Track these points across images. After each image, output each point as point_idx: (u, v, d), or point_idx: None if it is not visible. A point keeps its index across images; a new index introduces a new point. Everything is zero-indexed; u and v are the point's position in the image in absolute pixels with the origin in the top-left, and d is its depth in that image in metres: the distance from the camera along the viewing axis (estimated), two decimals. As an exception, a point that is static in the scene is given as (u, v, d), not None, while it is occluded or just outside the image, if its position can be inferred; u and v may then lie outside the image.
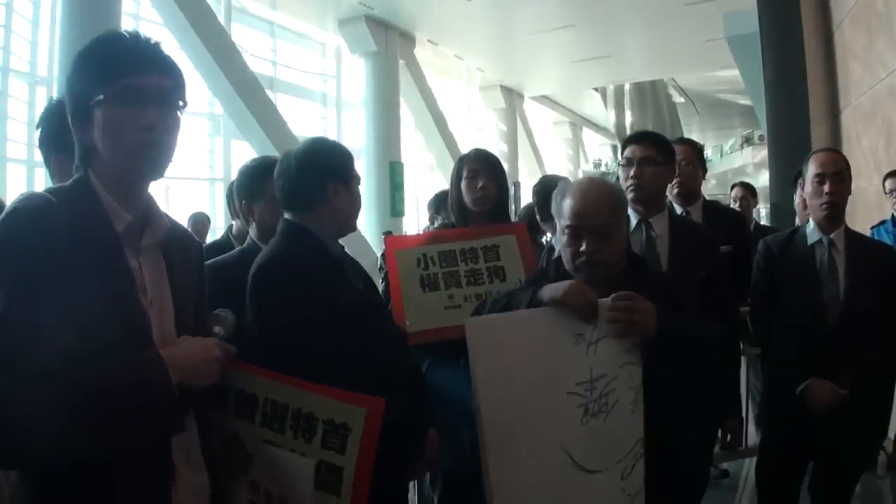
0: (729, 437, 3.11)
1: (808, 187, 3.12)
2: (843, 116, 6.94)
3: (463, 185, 3.04)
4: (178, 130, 1.54)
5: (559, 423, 2.14)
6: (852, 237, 3.16)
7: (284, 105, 13.25)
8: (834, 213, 3.06)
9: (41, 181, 9.37)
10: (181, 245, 1.68)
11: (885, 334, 3.01)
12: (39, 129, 2.08)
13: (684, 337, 2.18)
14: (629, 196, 2.92)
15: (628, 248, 2.51)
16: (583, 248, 2.23)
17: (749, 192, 6.18)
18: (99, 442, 1.33)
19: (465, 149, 14.38)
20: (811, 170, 3.11)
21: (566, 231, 2.28)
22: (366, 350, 2.16)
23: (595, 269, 2.25)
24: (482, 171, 3.03)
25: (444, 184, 16.34)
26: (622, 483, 2.13)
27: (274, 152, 10.91)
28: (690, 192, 3.71)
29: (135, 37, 1.52)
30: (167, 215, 1.63)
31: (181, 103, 1.54)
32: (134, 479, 1.39)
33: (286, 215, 2.31)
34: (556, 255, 2.62)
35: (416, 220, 15.69)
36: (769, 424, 3.29)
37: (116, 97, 1.46)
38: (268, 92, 12.26)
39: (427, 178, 17.99)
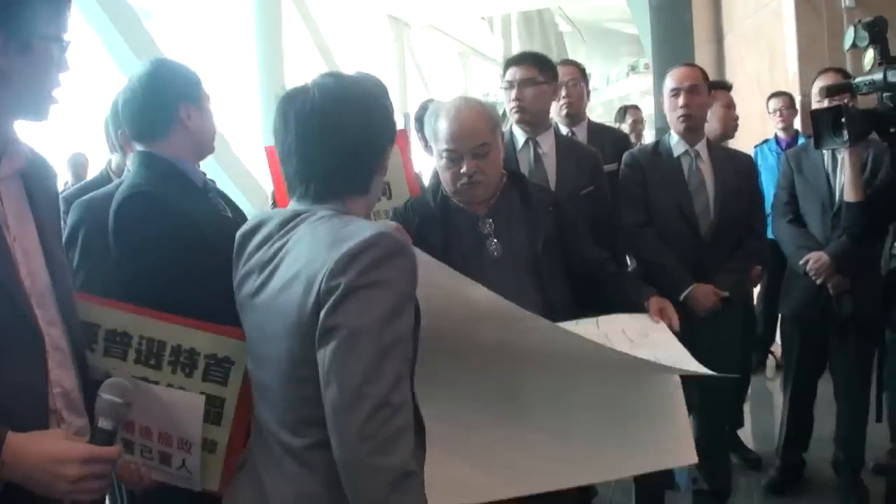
0: None
1: (666, 102, 3.28)
2: (727, 41, 7.08)
3: None
4: None
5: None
6: (714, 148, 3.36)
7: (164, 37, 12.63)
8: (691, 124, 3.23)
9: None
10: (41, 174, 1.56)
11: (753, 237, 3.29)
12: None
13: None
14: (514, 118, 2.98)
15: (508, 166, 2.55)
16: (463, 169, 2.25)
17: (641, 115, 6.31)
18: None
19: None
20: (668, 84, 3.28)
21: (444, 155, 2.31)
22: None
23: (475, 190, 2.30)
24: None
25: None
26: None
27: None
28: (576, 113, 3.73)
29: None
30: (26, 143, 1.50)
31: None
32: (12, 423, 1.28)
33: (138, 146, 2.14)
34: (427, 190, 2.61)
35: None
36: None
37: (56, 34, 1.41)
38: (145, 24, 11.64)
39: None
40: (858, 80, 2.74)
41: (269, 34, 14.43)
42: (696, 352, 3.07)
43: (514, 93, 3.02)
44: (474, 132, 2.28)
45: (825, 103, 3.41)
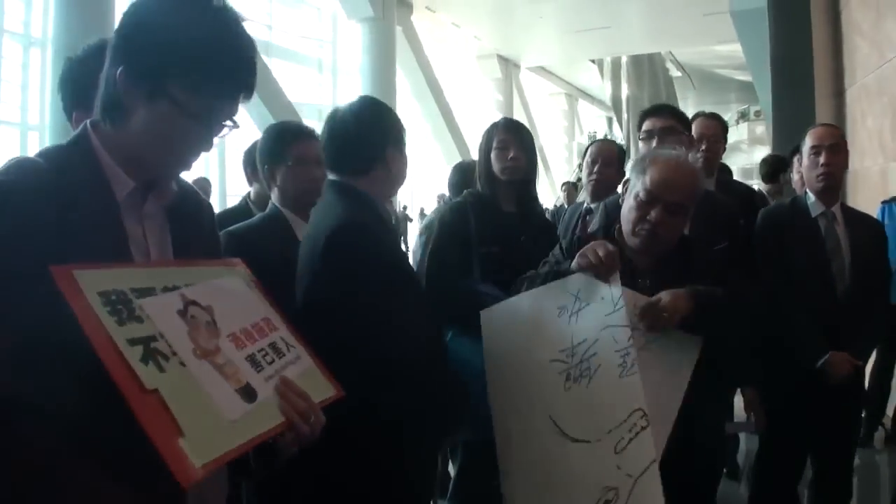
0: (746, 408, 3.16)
1: (805, 160, 3.18)
2: (848, 95, 6.92)
3: (493, 154, 3.02)
4: None
5: (545, 391, 2.19)
6: (847, 210, 3.24)
7: (279, 70, 13.12)
8: (830, 183, 3.13)
9: (34, 143, 9.28)
10: (191, 209, 1.55)
11: (881, 307, 3.15)
12: (61, 89, 2.01)
13: (720, 304, 2.16)
14: None
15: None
16: (650, 216, 2.21)
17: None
18: None
19: (461, 118, 14.13)
20: (808, 142, 3.17)
21: (643, 194, 2.25)
22: (421, 319, 2.14)
23: (652, 241, 2.23)
24: (513, 140, 3.01)
25: (439, 153, 16.34)
26: (616, 458, 2.05)
27: (270, 119, 10.87)
28: (712, 167, 3.72)
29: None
30: (199, 180, 1.56)
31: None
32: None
33: (333, 176, 2.21)
34: (594, 224, 2.63)
35: (409, 190, 15.62)
36: (774, 404, 3.31)
37: (194, 111, 1.35)
38: (263, 57, 12.13)
39: (423, 147, 17.91)
40: None
41: (381, 69, 14.82)
42: (825, 420, 3.05)
43: (654, 142, 3.05)
44: (680, 187, 2.26)
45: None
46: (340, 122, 2.18)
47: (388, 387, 1.74)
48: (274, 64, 12.95)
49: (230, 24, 1.36)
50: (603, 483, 2.05)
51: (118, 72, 1.33)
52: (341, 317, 1.68)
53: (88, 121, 1.39)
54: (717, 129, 3.70)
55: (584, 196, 3.71)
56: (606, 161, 3.66)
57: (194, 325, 1.31)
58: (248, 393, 1.34)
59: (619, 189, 3.27)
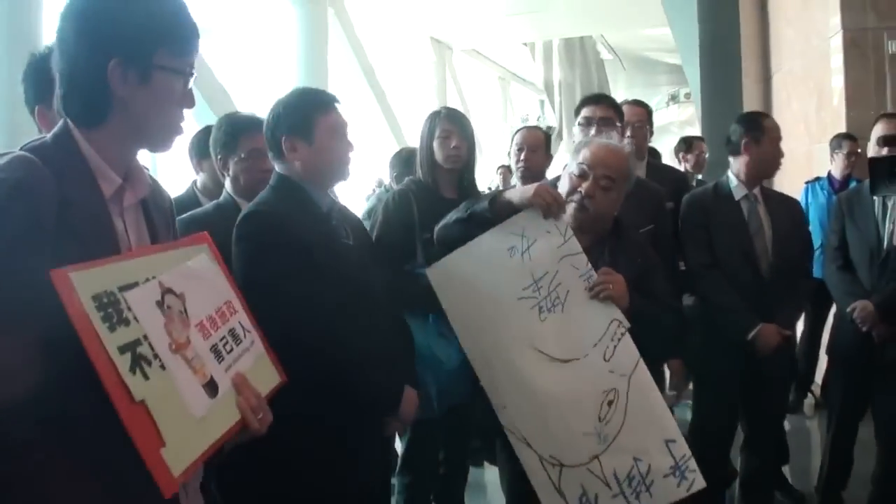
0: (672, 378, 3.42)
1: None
2: (775, 79, 7.14)
3: (436, 143, 3.10)
4: None
5: (522, 327, 2.35)
6: (768, 192, 3.50)
7: (209, 52, 12.84)
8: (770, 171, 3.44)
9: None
10: (157, 199, 1.63)
11: (805, 277, 3.41)
12: (25, 82, 2.01)
13: (644, 318, 2.35)
14: None
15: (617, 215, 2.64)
16: (581, 187, 2.36)
17: (705, 148, 6.32)
18: None
19: (394, 102, 14.01)
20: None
21: (575, 168, 2.46)
22: (342, 310, 2.19)
23: (582, 213, 2.41)
24: (455, 130, 3.10)
25: (373, 137, 16.25)
26: (607, 364, 2.28)
27: (202, 101, 10.67)
28: (640, 152, 3.84)
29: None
30: (145, 169, 1.57)
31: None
32: None
33: (276, 166, 2.41)
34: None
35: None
36: (709, 379, 3.46)
37: (181, 68, 1.45)
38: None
39: (357, 130, 17.81)
40: None
41: (313, 54, 14.64)
42: (755, 387, 3.23)
43: (592, 130, 3.17)
44: (611, 164, 2.44)
45: (884, 151, 3.52)
46: (269, 112, 2.40)
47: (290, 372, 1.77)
48: (203, 45, 12.68)
49: None
50: (601, 388, 2.28)
51: (111, 65, 1.36)
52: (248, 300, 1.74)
53: (66, 119, 1.41)
54: (641, 114, 3.86)
55: (514, 182, 3.80)
56: (532, 147, 3.76)
57: (169, 315, 1.36)
58: (212, 387, 1.41)
59: (547, 174, 3.39)
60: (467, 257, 2.44)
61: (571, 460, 2.30)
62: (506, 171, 9.96)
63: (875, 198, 3.38)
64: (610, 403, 2.26)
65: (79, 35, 1.38)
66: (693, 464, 2.23)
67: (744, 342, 3.19)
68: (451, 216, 2.55)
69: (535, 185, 2.41)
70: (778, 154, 3.42)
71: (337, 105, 2.43)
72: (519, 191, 2.43)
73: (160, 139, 1.49)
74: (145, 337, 1.27)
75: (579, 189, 2.42)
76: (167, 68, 1.42)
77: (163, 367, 1.29)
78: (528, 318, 2.34)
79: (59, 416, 1.23)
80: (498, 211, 2.42)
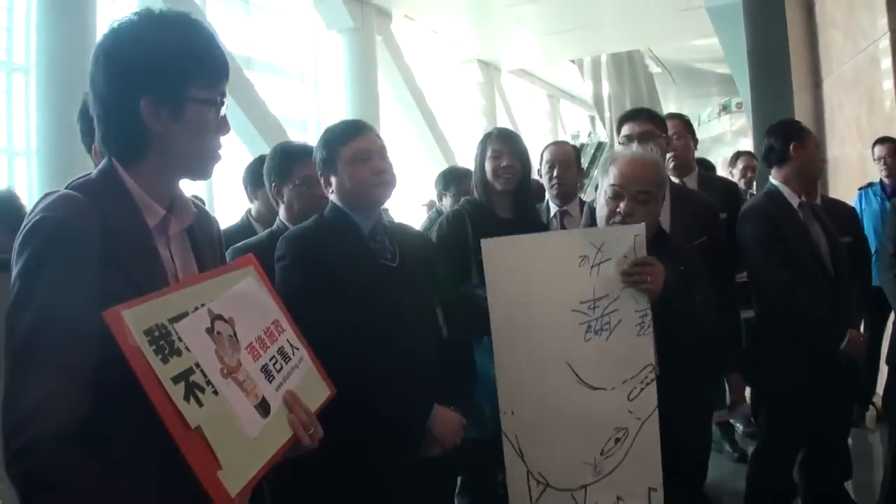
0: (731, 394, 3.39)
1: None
2: (825, 85, 7.01)
3: (487, 164, 3.12)
4: None
5: (563, 339, 2.33)
6: (822, 198, 3.44)
7: (261, 84, 13.11)
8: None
9: (22, 169, 9.28)
10: (203, 226, 1.67)
11: (861, 285, 3.43)
12: (80, 121, 2.10)
13: (675, 312, 2.30)
14: None
15: (658, 222, 2.62)
16: (619, 208, 2.35)
17: (754, 162, 6.29)
18: None
19: (444, 124, 14.13)
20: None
21: (608, 191, 2.45)
22: (355, 332, 2.24)
23: None
24: (506, 149, 3.12)
25: (424, 159, 16.36)
26: (629, 404, 2.28)
27: (255, 134, 10.87)
28: (685, 164, 3.82)
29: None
30: (190, 198, 1.61)
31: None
32: None
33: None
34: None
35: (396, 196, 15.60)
36: (786, 396, 3.35)
37: (212, 98, 1.48)
38: (245, 72, 12.11)
39: (408, 154, 17.94)
40: None
41: (363, 79, 14.84)
42: (823, 402, 3.14)
43: (633, 146, 3.16)
44: (641, 177, 2.42)
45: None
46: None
47: None
48: (256, 78, 12.95)
49: (199, 22, 1.50)
50: (615, 424, 2.29)
51: (141, 104, 1.41)
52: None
53: (111, 156, 1.47)
54: (677, 126, 3.83)
55: (548, 199, 3.79)
56: (564, 164, 3.72)
57: (219, 341, 1.40)
58: (264, 407, 1.45)
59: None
60: (534, 246, 2.43)
61: (560, 483, 2.33)
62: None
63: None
64: (617, 441, 2.29)
65: (108, 77, 1.42)
66: None
67: (835, 352, 3.11)
68: None
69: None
70: (819, 157, 3.38)
71: (361, 134, 2.46)
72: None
73: (200, 169, 1.52)
74: (197, 365, 1.32)
75: (618, 210, 2.41)
76: (198, 100, 1.45)
77: (215, 392, 1.33)
78: (574, 333, 2.32)
79: (107, 445, 1.28)
80: None
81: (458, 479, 3.33)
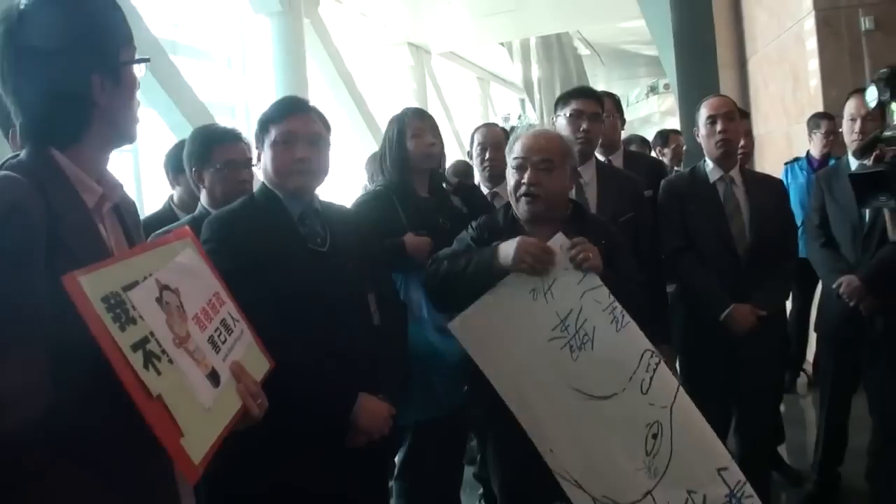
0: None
1: (703, 129, 3.41)
2: (751, 64, 7.18)
3: (411, 142, 3.07)
4: None
5: (556, 368, 2.33)
6: (747, 174, 3.51)
7: (187, 69, 12.81)
8: (729, 149, 3.38)
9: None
10: (127, 203, 1.64)
11: (787, 259, 3.37)
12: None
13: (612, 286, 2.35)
14: (578, 147, 3.05)
15: (573, 199, 2.66)
16: (524, 179, 2.36)
17: (682, 140, 6.38)
18: None
19: (374, 108, 13.98)
20: (703, 113, 3.41)
21: (513, 163, 2.50)
22: (277, 320, 2.16)
23: (534, 201, 2.42)
24: (427, 127, 3.09)
25: (355, 144, 16.25)
26: (646, 397, 2.27)
27: (181, 119, 10.62)
28: (612, 143, 3.90)
29: None
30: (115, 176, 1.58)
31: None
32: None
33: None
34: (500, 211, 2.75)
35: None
36: (695, 363, 3.46)
37: (133, 56, 1.49)
38: (170, 56, 11.80)
39: (338, 138, 17.78)
40: (888, 133, 2.87)
41: (291, 63, 14.62)
42: (739, 369, 3.23)
43: (584, 123, 3.24)
44: (542, 147, 2.46)
45: (855, 132, 3.56)
46: None
47: None
48: (182, 62, 12.66)
49: None
50: (644, 422, 2.26)
51: (92, 77, 1.41)
52: None
53: (42, 138, 1.43)
54: (608, 106, 3.92)
55: (477, 180, 3.80)
56: (496, 146, 3.76)
57: (169, 311, 1.39)
58: (214, 377, 1.45)
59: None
60: (490, 306, 2.40)
61: (624, 498, 2.26)
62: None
63: (851, 174, 3.40)
64: (655, 436, 2.24)
65: (40, 60, 1.38)
66: (749, 489, 2.20)
67: (718, 323, 3.21)
68: (444, 265, 2.53)
69: (513, 244, 2.36)
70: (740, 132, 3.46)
71: (293, 114, 2.40)
72: (503, 252, 2.37)
73: (132, 131, 1.53)
74: (152, 334, 1.31)
75: (522, 181, 2.43)
76: (128, 63, 1.48)
77: (171, 361, 1.33)
78: (561, 359, 2.32)
79: (70, 430, 1.25)
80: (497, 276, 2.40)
81: (396, 461, 3.23)
